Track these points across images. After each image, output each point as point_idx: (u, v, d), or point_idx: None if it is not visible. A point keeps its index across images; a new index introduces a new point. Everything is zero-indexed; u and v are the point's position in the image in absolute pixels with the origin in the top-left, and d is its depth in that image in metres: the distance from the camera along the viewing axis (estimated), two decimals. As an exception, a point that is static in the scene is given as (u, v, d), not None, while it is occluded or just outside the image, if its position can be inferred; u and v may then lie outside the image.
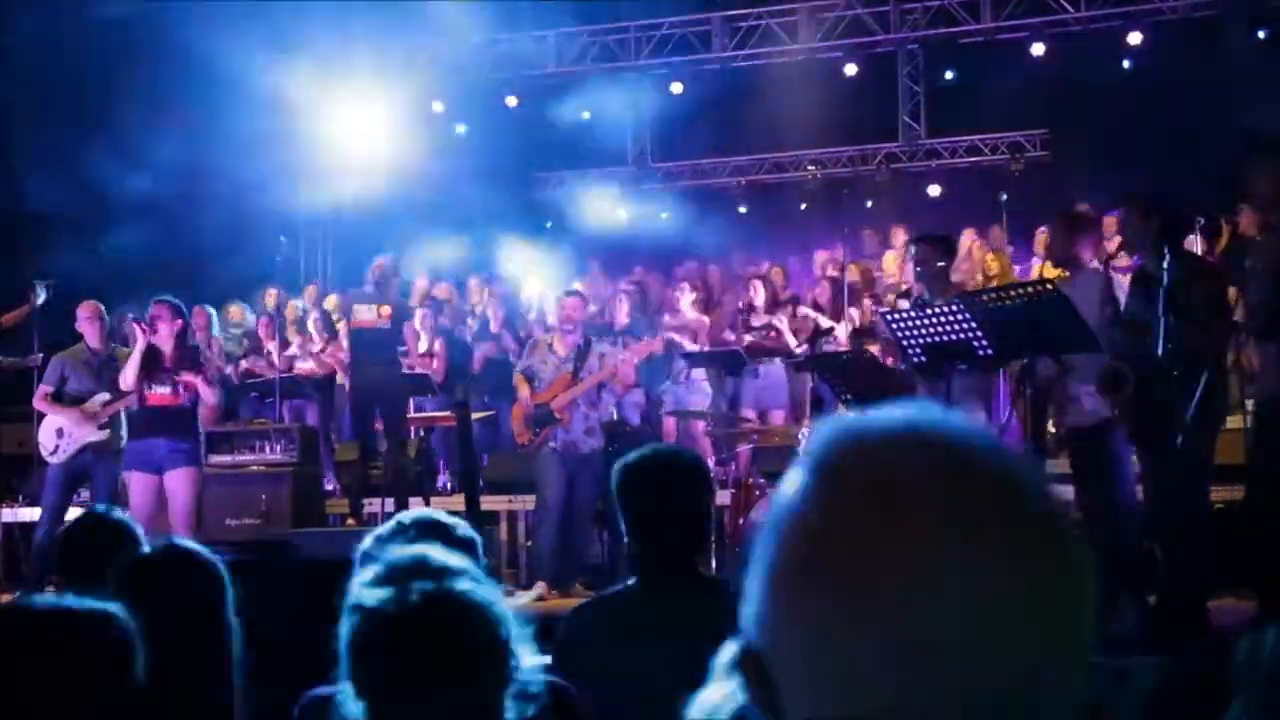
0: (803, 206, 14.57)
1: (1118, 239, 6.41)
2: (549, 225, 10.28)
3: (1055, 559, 0.77)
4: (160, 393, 8.08)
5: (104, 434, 8.24)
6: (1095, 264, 6.15)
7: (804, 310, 10.57)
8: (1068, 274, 6.31)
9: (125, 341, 11.45)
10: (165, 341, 8.16)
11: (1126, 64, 13.44)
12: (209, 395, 8.19)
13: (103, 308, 8.50)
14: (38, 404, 8.36)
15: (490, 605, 1.82)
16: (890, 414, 0.82)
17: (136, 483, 8.02)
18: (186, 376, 8.02)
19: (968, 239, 11.59)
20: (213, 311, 10.92)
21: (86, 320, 8.37)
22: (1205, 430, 5.54)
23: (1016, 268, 11.13)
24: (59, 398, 8.28)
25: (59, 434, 8.23)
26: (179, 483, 7.92)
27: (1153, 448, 5.67)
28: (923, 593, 0.74)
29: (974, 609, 0.74)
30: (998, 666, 0.74)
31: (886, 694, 0.74)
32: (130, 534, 3.59)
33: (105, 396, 8.23)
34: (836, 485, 0.79)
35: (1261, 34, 12.73)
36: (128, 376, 8.12)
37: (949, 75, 14.55)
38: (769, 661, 0.79)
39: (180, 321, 8.30)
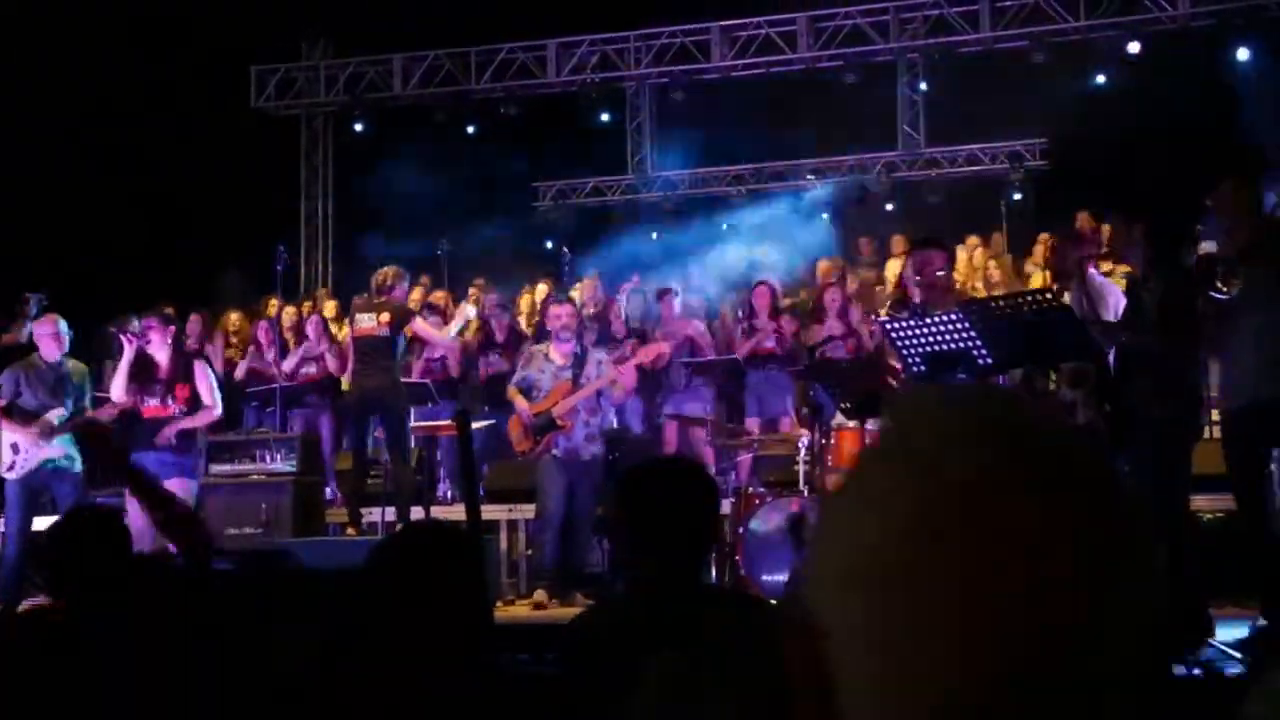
0: (824, 216, 14.58)
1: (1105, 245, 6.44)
2: (549, 245, 10.20)
3: (1118, 548, 0.75)
4: (151, 404, 8.02)
5: (61, 449, 8.13)
6: (1092, 272, 6.17)
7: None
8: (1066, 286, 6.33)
9: (121, 350, 11.48)
10: (158, 352, 8.11)
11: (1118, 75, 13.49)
12: (204, 417, 8.14)
13: (64, 323, 8.34)
14: None
15: None
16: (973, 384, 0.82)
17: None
18: (155, 408, 7.96)
19: (970, 246, 11.61)
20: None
21: (49, 336, 8.21)
22: (1180, 434, 5.58)
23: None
24: (9, 411, 8.14)
25: (14, 449, 8.10)
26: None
27: (1126, 450, 5.69)
28: (982, 556, 0.73)
29: (1032, 579, 0.72)
30: (1053, 634, 0.73)
31: (917, 664, 0.73)
32: (118, 532, 3.55)
33: (61, 412, 8.13)
34: (907, 445, 0.78)
35: (1245, 53, 12.77)
36: (116, 388, 8.07)
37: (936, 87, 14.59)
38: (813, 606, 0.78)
39: (172, 329, 8.24)
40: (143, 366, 8.08)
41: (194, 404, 8.09)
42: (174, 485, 7.85)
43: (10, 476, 8.10)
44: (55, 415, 8.11)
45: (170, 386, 8.03)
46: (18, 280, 10.86)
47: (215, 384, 8.36)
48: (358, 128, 16.04)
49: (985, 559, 0.73)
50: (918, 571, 0.74)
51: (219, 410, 8.36)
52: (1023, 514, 0.73)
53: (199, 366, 8.29)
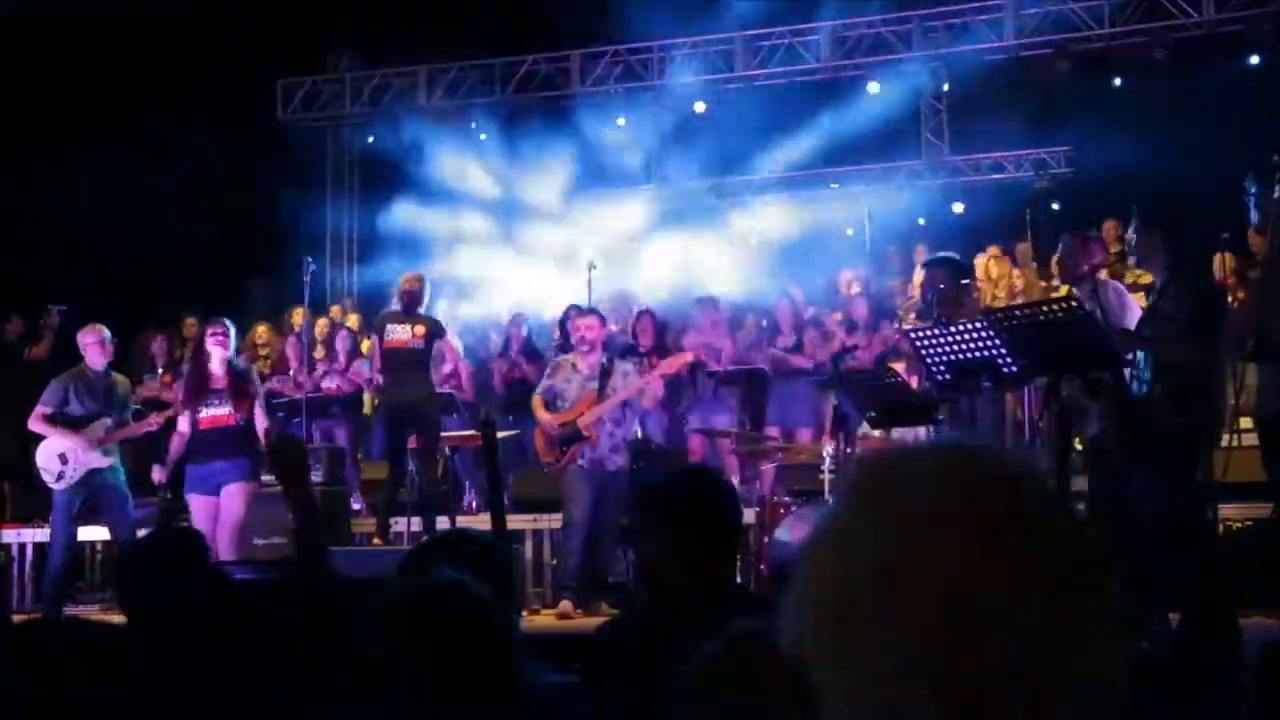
0: (844, 231, 14.57)
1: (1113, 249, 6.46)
2: (592, 267, 10.16)
3: (1084, 597, 0.80)
4: (212, 414, 8.02)
5: (109, 460, 8.23)
6: (1102, 276, 6.18)
7: (830, 326, 10.60)
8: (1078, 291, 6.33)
9: (152, 362, 11.59)
10: (216, 362, 8.12)
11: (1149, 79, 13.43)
12: (261, 419, 8.13)
13: (107, 332, 8.45)
14: (34, 425, 8.26)
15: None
16: (925, 444, 0.87)
17: (197, 505, 8.02)
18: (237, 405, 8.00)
19: (990, 255, 11.58)
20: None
21: (94, 345, 8.31)
22: (1197, 443, 5.55)
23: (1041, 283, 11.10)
24: (53, 420, 8.22)
25: (62, 459, 8.18)
26: (231, 497, 7.89)
27: (1140, 460, 5.67)
28: (957, 613, 0.77)
29: (1005, 634, 0.77)
30: (1019, 683, 0.76)
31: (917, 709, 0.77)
32: (198, 548, 3.57)
33: (109, 422, 8.23)
34: (869, 509, 0.83)
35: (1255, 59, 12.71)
36: (179, 399, 8.17)
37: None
38: (810, 673, 0.82)
39: (231, 340, 8.29)
40: (200, 377, 8.12)
41: (252, 412, 8.09)
42: (234, 489, 7.89)
43: (58, 486, 8.17)
44: (103, 425, 8.20)
45: (230, 395, 8.03)
46: (42, 293, 10.97)
47: (262, 398, 8.40)
48: (383, 139, 16.09)
49: (935, 593, 0.78)
50: (873, 607, 0.79)
51: (265, 420, 8.40)
52: (967, 552, 0.78)
53: (253, 374, 8.32)
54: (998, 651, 0.77)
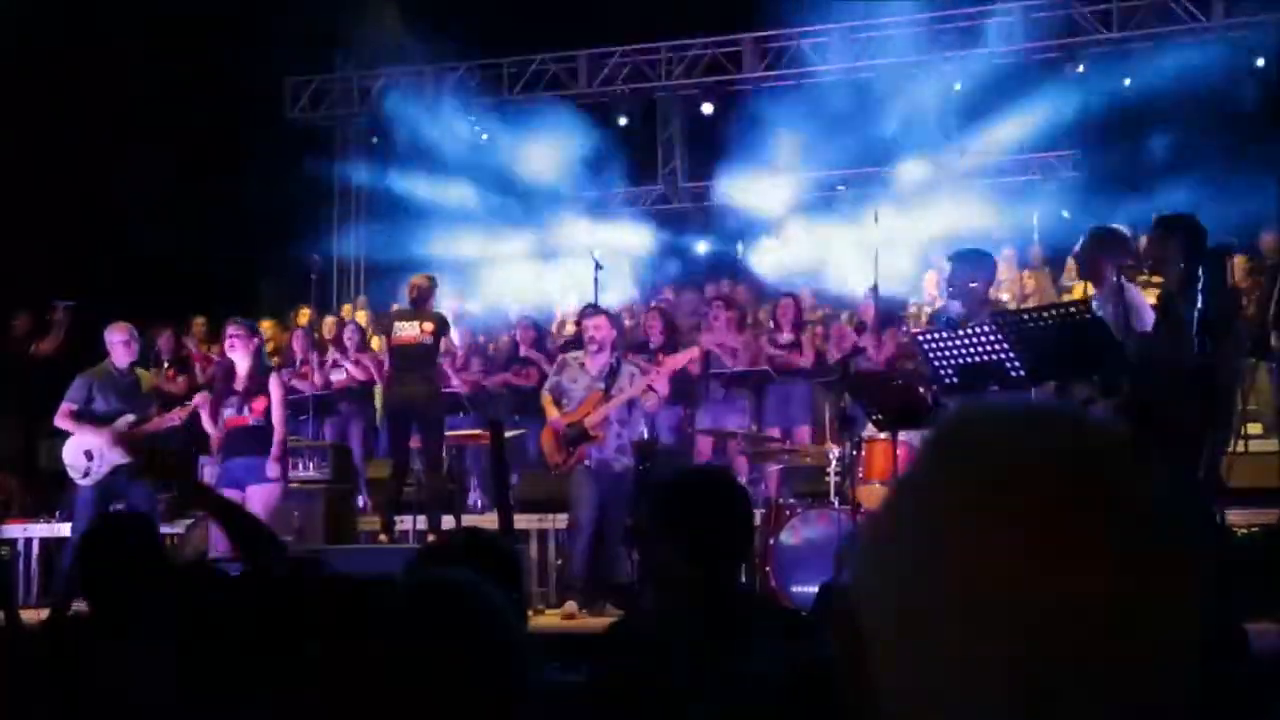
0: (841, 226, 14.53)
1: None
2: (598, 267, 10.10)
3: (1158, 566, 0.77)
4: (229, 414, 8.04)
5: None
6: (1113, 278, 6.16)
7: (842, 327, 10.60)
8: (1093, 289, 6.31)
9: (158, 358, 11.59)
10: (240, 361, 8.11)
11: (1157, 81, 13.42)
12: (278, 446, 8.05)
13: (134, 330, 8.47)
14: (60, 422, 8.29)
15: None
16: (1020, 399, 0.83)
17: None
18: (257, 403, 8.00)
19: (1004, 258, 11.55)
20: None
21: (121, 343, 8.35)
22: (1209, 447, 5.54)
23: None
24: (79, 416, 8.25)
25: (88, 456, 8.20)
26: (254, 498, 7.91)
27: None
28: (1014, 574, 0.75)
29: (1060, 604, 0.74)
30: (1078, 663, 0.74)
31: (958, 669, 0.75)
32: (150, 537, 3.58)
33: (131, 418, 8.23)
34: (953, 457, 0.80)
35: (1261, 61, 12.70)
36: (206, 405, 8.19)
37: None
38: (859, 611, 0.81)
39: (256, 339, 8.27)
40: (223, 375, 8.12)
41: (268, 415, 8.06)
42: (256, 490, 7.88)
43: (85, 483, 8.19)
44: (126, 421, 8.22)
45: (248, 397, 8.03)
46: (51, 289, 10.99)
47: (282, 399, 8.37)
48: (390, 138, 16.10)
49: (1034, 571, 0.75)
50: (971, 581, 0.76)
51: (283, 428, 8.35)
52: (1076, 538, 0.75)
53: (274, 380, 8.29)
54: (1076, 638, 0.75)
